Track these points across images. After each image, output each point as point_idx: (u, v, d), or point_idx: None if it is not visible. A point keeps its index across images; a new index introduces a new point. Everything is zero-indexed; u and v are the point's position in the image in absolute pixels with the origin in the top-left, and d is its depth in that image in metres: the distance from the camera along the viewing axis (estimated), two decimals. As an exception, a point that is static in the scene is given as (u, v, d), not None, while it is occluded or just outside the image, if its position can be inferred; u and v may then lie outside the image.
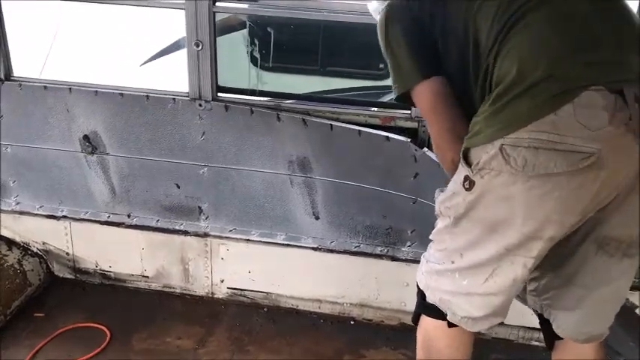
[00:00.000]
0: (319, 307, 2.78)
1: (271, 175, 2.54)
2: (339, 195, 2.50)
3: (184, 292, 2.86)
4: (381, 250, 2.57)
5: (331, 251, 2.61)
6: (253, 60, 2.56)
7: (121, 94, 2.52)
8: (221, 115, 2.48)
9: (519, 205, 1.41)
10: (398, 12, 1.61)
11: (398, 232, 2.52)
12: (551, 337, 1.79)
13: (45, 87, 2.56)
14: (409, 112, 2.41)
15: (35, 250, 2.90)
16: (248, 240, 2.68)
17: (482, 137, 1.43)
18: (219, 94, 2.49)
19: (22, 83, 2.58)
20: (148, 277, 2.86)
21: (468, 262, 1.58)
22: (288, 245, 2.65)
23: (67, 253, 2.88)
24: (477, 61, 1.50)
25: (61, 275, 2.93)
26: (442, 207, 1.61)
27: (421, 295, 1.77)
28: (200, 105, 2.48)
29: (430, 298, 1.72)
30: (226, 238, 2.71)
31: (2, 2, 2.48)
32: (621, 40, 1.43)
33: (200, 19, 2.34)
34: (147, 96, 2.51)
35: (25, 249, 2.88)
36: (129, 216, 2.75)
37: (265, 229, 2.65)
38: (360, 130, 2.35)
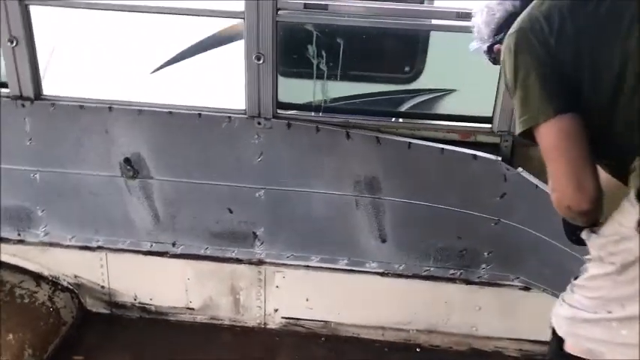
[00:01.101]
0: (382, 335, 2.60)
1: (335, 197, 2.34)
2: (410, 216, 2.32)
3: (234, 323, 2.64)
4: (452, 273, 2.41)
5: (399, 276, 2.44)
6: (319, 73, 2.34)
7: (170, 113, 2.28)
8: (282, 134, 2.26)
9: None
10: (529, 40, 1.44)
11: (473, 253, 2.36)
12: None
13: (81, 106, 2.30)
14: (489, 125, 2.24)
15: (66, 284, 2.63)
16: (307, 266, 2.48)
17: None
18: (279, 111, 2.28)
19: (55, 103, 2.31)
20: (193, 309, 2.63)
21: (631, 313, 1.41)
22: (350, 271, 2.46)
23: (103, 287, 2.62)
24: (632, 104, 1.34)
25: (95, 310, 2.68)
26: (603, 252, 1.43)
27: (557, 341, 1.60)
28: (259, 123, 2.26)
29: (572, 348, 1.55)
30: (282, 264, 2.50)
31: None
32: None
33: (262, 29, 2.13)
34: (199, 114, 2.27)
35: (54, 283, 2.61)
36: (174, 244, 2.51)
37: (326, 255, 2.45)
38: (442, 148, 2.17)
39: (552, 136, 1.40)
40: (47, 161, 2.40)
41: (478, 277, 2.40)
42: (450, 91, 3.75)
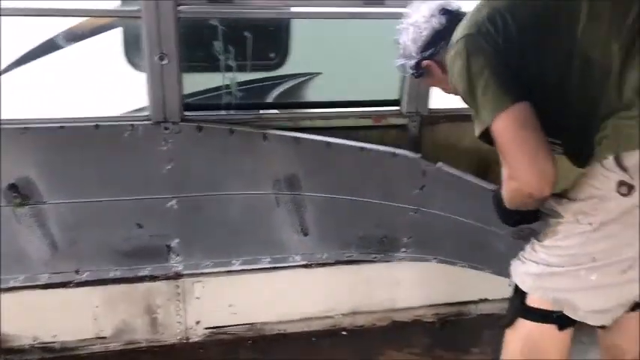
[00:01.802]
0: (309, 326, 2.59)
1: (253, 197, 2.26)
2: (331, 210, 2.32)
3: (152, 344, 2.46)
4: (374, 257, 2.46)
5: (322, 265, 2.44)
6: (228, 67, 2.21)
7: (62, 127, 2.02)
8: (192, 138, 2.12)
9: None
10: (478, 43, 1.53)
11: (393, 239, 2.42)
12: None
13: (-53, 131, 1.95)
14: (398, 108, 2.31)
15: (-56, 338, 2.25)
16: (228, 272, 2.38)
17: None
18: (187, 113, 2.13)
19: None
20: (105, 337, 2.40)
21: (602, 263, 1.56)
22: (273, 269, 2.41)
23: (-7, 334, 2.28)
24: (588, 77, 1.48)
25: (-17, 362, 2.33)
26: (580, 215, 1.55)
27: (520, 296, 1.72)
28: (166, 128, 2.09)
29: (537, 301, 1.68)
30: (201, 274, 2.37)
31: None
32: None
33: (164, 27, 1.96)
34: (96, 125, 2.04)
35: None
36: (77, 272, 2.25)
37: (248, 256, 2.37)
38: (362, 147, 2.18)
39: (510, 127, 1.48)
40: None
41: (398, 260, 2.48)
42: (316, 74, 3.81)
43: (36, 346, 2.34)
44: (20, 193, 2.07)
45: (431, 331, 2.67)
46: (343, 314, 2.60)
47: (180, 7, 1.97)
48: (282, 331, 2.57)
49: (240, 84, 3.00)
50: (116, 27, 3.36)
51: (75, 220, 2.16)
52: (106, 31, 3.43)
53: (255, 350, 2.51)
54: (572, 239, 1.58)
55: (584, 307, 1.63)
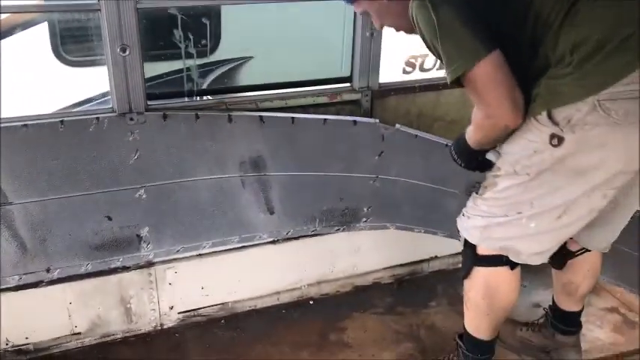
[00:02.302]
0: (278, 299, 2.70)
1: (220, 181, 2.33)
2: (296, 187, 2.42)
3: (127, 334, 2.48)
4: (337, 230, 2.59)
5: (288, 240, 2.55)
6: (188, 55, 2.24)
7: (25, 126, 1.99)
8: (158, 126, 2.15)
9: (615, 150, 1.63)
10: None
11: (354, 211, 2.55)
12: (564, 258, 2.14)
13: None
14: (350, 84, 2.44)
15: None
16: (199, 255, 2.44)
17: (572, 97, 1.59)
18: (150, 103, 2.15)
19: None
20: (79, 333, 2.40)
21: (539, 209, 1.78)
22: (242, 248, 2.50)
23: (-38, 342, 2.23)
24: (536, 32, 1.64)
25: (-46, 373, 2.27)
26: (518, 166, 1.75)
27: (471, 249, 1.94)
28: (131, 119, 2.11)
29: (486, 250, 1.91)
30: (173, 260, 2.42)
31: None
32: None
33: (125, 18, 1.97)
34: (61, 121, 2.03)
35: None
36: (48, 270, 2.23)
37: (217, 238, 2.43)
38: (325, 119, 2.29)
39: (488, 72, 1.62)
40: None
41: (360, 230, 2.62)
42: (248, 58, 3.87)
43: (9, 350, 2.31)
44: (-16, 196, 2.03)
45: (390, 291, 2.86)
46: (309, 285, 2.73)
47: (140, -2, 2.00)
48: (253, 307, 2.67)
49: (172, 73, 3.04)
50: (41, 22, 3.27)
51: (43, 219, 2.14)
52: (30, 27, 3.32)
53: (229, 328, 2.60)
54: (512, 189, 1.79)
55: (526, 252, 1.87)
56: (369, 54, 2.37)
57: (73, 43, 3.33)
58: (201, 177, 2.29)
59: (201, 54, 3.63)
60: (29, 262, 2.19)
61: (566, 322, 2.32)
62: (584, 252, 2.13)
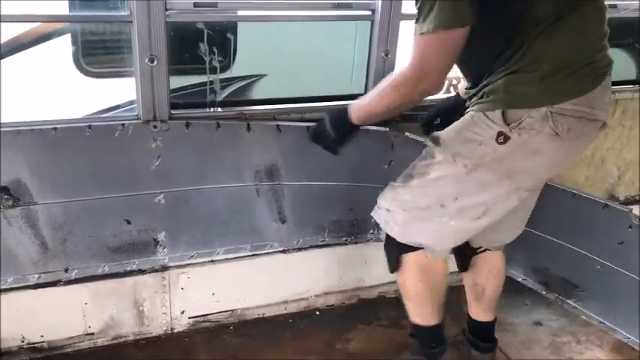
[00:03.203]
0: (285, 309, 2.77)
1: (236, 189, 2.41)
2: (308, 197, 2.50)
3: (138, 337, 2.54)
4: (345, 240, 2.67)
5: (298, 250, 2.62)
6: (212, 70, 2.35)
7: (54, 129, 2.08)
8: (180, 134, 2.24)
9: (547, 159, 1.81)
10: None
11: (362, 221, 2.63)
12: (466, 259, 2.28)
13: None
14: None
15: None
16: (212, 261, 2.51)
17: (529, 103, 1.73)
18: (174, 112, 2.25)
19: None
20: (92, 333, 2.46)
21: (461, 204, 1.89)
22: (253, 256, 2.57)
23: (-20, 337, 2.29)
24: (518, 30, 1.73)
25: (-31, 368, 2.32)
26: (457, 157, 1.85)
27: (394, 241, 2.05)
28: (155, 127, 2.21)
29: (408, 242, 2.02)
30: (187, 265, 2.49)
31: None
32: (606, 32, 1.85)
33: (155, 31, 2.07)
34: (89, 126, 2.12)
35: None
36: (66, 270, 2.30)
37: (230, 245, 2.51)
38: (338, 127, 2.38)
39: (456, 41, 1.69)
40: None
41: (366, 241, 2.70)
42: (261, 76, 3.97)
43: (24, 347, 2.37)
44: (11, 195, 2.11)
45: (395, 305, 2.91)
46: (316, 295, 2.80)
47: (169, 12, 2.10)
48: (261, 315, 2.73)
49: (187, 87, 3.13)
50: (65, 33, 3.38)
51: (65, 219, 2.22)
52: (53, 38, 3.43)
53: (237, 335, 2.66)
54: (444, 180, 1.89)
55: (440, 249, 2.00)
56: (383, 72, 2.47)
57: (93, 55, 3.44)
58: (218, 184, 2.37)
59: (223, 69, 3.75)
60: (49, 262, 2.26)
61: (480, 335, 2.39)
62: (484, 250, 2.26)
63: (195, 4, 2.13)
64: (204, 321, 2.63)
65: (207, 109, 2.36)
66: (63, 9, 2.66)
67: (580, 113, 1.76)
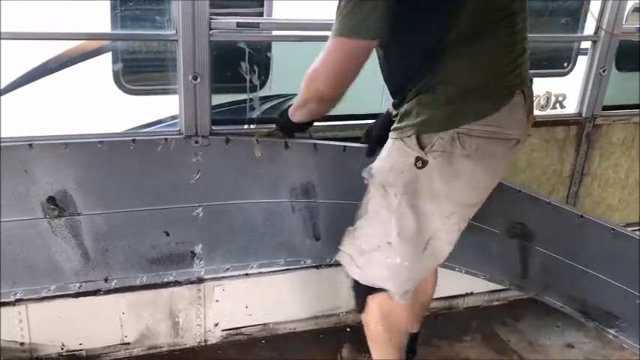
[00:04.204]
0: (316, 324, 2.79)
1: (272, 205, 2.45)
2: (341, 215, 2.50)
3: (173, 348, 2.59)
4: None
5: (329, 266, 2.65)
6: (252, 87, 2.42)
7: (101, 142, 2.16)
8: (220, 150, 2.30)
9: (467, 181, 1.81)
10: None
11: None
12: None
13: (-6, 147, 2.05)
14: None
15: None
16: (246, 274, 2.55)
17: (438, 126, 1.75)
18: (214, 127, 2.31)
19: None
20: (129, 343, 2.51)
21: (404, 237, 1.89)
22: (286, 270, 2.61)
23: (22, 343, 2.35)
24: (430, 52, 1.75)
25: (12, 372, 2.39)
26: (387, 186, 1.87)
27: (360, 285, 2.07)
28: (196, 142, 2.27)
29: (365, 284, 2.04)
30: (222, 278, 2.53)
31: None
32: (522, 51, 1.86)
33: (198, 50, 2.15)
34: (133, 140, 2.20)
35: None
36: (106, 280, 2.37)
37: (264, 260, 2.55)
38: (374, 148, 2.42)
39: (354, 50, 1.72)
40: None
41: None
42: (295, 94, 4.04)
43: (63, 354, 2.43)
44: (57, 206, 2.19)
45: (426, 323, 2.91)
46: (347, 312, 2.82)
47: (212, 32, 2.17)
48: (292, 330, 2.76)
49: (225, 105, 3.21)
50: (106, 52, 3.50)
51: (108, 230, 2.29)
52: (96, 56, 3.55)
53: (270, 349, 2.69)
54: (380, 213, 1.91)
55: (400, 291, 1.99)
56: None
57: (133, 72, 3.55)
58: (255, 200, 2.42)
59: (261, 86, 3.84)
60: (90, 271, 2.33)
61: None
62: None
63: (238, 24, 2.20)
64: (236, 334, 2.67)
65: (247, 126, 2.42)
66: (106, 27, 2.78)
67: (488, 133, 1.78)
